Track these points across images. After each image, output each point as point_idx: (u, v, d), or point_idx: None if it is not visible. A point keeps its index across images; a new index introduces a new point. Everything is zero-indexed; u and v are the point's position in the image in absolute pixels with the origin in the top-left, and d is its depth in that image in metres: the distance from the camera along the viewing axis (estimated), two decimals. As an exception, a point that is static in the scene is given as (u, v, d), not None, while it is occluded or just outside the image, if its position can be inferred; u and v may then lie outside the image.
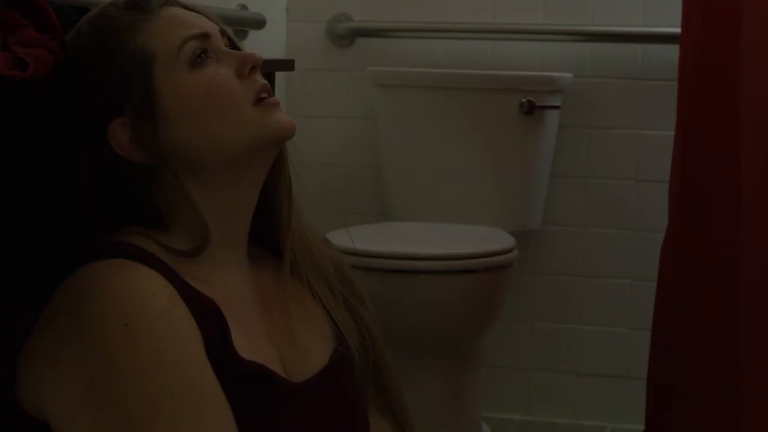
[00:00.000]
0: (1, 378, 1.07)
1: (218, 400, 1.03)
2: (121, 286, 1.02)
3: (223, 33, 1.18)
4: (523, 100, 2.59)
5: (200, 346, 1.04)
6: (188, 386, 1.01)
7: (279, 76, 2.42)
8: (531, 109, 2.59)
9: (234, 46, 1.20)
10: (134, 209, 1.15)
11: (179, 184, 1.13)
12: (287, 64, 2.25)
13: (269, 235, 1.24)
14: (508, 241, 2.39)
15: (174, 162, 1.13)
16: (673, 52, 2.39)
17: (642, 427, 2.41)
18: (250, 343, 1.12)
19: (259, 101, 1.15)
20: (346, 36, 2.85)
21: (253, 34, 2.61)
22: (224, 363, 1.07)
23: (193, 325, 1.05)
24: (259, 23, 2.59)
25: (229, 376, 1.06)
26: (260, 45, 2.66)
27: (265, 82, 1.17)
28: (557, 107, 2.65)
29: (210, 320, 1.08)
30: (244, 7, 2.57)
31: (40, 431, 1.04)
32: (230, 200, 1.16)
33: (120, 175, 1.13)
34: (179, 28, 1.13)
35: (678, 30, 2.30)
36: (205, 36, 1.14)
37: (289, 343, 1.19)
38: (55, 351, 1.03)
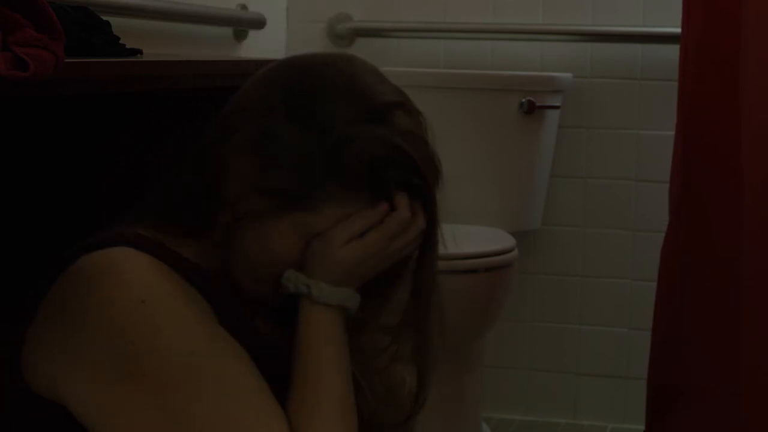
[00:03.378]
0: (9, 363, 1.08)
1: (246, 358, 1.06)
2: (129, 267, 1.04)
3: None
4: (523, 100, 2.59)
5: (212, 315, 1.08)
6: (217, 348, 1.04)
7: (279, 76, 2.42)
8: (531, 109, 2.59)
9: None
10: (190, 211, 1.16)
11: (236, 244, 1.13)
12: (287, 64, 2.24)
13: None
14: (508, 241, 2.39)
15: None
16: (673, 52, 2.39)
17: (642, 427, 2.41)
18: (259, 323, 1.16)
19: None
20: (346, 36, 2.85)
21: (253, 34, 2.61)
22: (243, 335, 1.09)
23: (200, 298, 1.08)
24: (259, 23, 2.59)
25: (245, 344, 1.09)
26: (260, 45, 2.66)
27: None
28: (557, 107, 2.65)
29: (221, 296, 1.11)
30: (244, 7, 2.57)
31: (52, 411, 1.05)
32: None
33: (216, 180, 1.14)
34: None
35: (678, 30, 2.30)
36: None
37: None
38: (68, 336, 1.04)
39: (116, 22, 1.40)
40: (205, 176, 1.14)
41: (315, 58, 1.20)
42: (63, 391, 1.04)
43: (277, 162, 1.10)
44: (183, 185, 1.17)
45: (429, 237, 1.19)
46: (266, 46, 2.71)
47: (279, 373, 1.11)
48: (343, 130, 1.10)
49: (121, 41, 1.35)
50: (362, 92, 1.13)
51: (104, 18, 1.34)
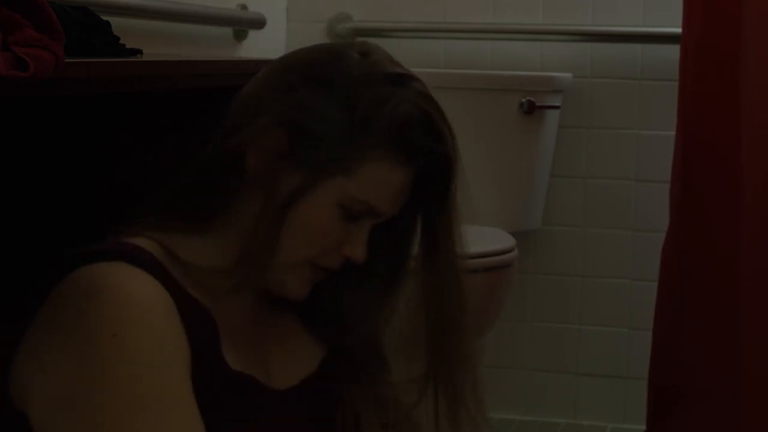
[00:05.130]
0: (7, 365, 1.07)
1: (190, 421, 1.02)
2: (117, 293, 1.01)
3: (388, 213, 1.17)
4: (523, 100, 2.59)
5: (185, 363, 1.04)
6: (161, 404, 1.00)
7: (279, 76, 2.42)
8: (531, 109, 2.59)
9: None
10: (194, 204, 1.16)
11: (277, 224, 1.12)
12: (287, 64, 2.24)
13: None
14: (508, 241, 2.39)
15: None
16: (673, 52, 2.39)
17: (642, 427, 2.41)
18: (237, 354, 1.13)
19: (309, 266, 1.15)
20: (346, 36, 2.85)
21: (253, 34, 2.61)
22: (211, 373, 1.07)
23: (182, 339, 1.05)
24: (259, 23, 2.59)
25: (215, 385, 1.07)
26: (260, 45, 2.66)
27: (335, 269, 1.17)
28: (557, 107, 2.65)
29: (201, 329, 1.08)
30: (244, 7, 2.58)
31: (25, 426, 1.04)
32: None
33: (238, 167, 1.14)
34: (386, 190, 1.13)
35: (678, 30, 2.30)
36: (375, 215, 1.15)
37: (273, 359, 1.20)
38: (44, 352, 1.03)
39: (116, 22, 1.40)
40: (225, 166, 1.14)
41: (326, 43, 1.21)
42: (29, 409, 1.03)
43: (308, 130, 1.11)
44: (198, 181, 1.16)
45: (444, 205, 1.17)
46: (266, 46, 2.71)
47: (252, 401, 1.11)
48: (368, 93, 1.12)
49: (121, 41, 1.35)
50: (378, 63, 1.16)
51: (104, 18, 1.34)
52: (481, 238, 2.45)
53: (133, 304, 1.01)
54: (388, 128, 1.11)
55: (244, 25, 2.56)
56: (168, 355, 1.02)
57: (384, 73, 1.14)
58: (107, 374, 0.99)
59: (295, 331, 1.24)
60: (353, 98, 1.11)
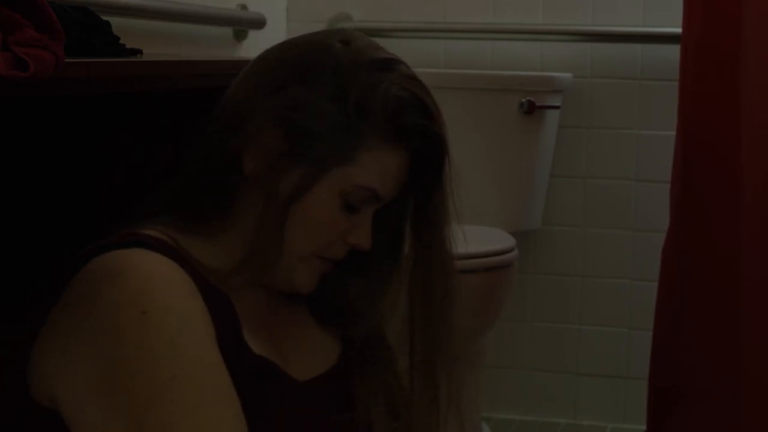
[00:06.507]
0: (14, 368, 1.06)
1: (228, 394, 1.02)
2: (139, 273, 1.01)
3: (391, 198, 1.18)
4: (523, 100, 2.59)
5: (213, 338, 1.04)
6: (199, 378, 0.99)
7: (279, 76, 2.42)
8: (531, 109, 2.60)
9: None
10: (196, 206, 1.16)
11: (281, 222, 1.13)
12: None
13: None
14: (508, 241, 2.39)
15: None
16: (673, 52, 2.39)
17: (642, 427, 2.41)
18: (258, 342, 1.13)
19: (316, 258, 1.16)
20: (346, 36, 2.85)
21: (253, 34, 2.61)
22: (234, 356, 1.07)
23: (207, 316, 1.04)
24: (259, 23, 2.59)
25: (239, 369, 1.06)
26: (260, 45, 2.65)
27: (341, 258, 1.18)
28: (557, 107, 2.65)
29: (222, 313, 1.08)
30: (244, 7, 2.58)
31: (51, 420, 1.03)
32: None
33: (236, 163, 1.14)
34: (387, 174, 1.15)
35: (678, 30, 2.30)
36: (378, 199, 1.17)
37: (291, 351, 1.19)
38: (70, 339, 1.01)
39: (116, 22, 1.40)
40: (224, 168, 1.14)
41: (308, 34, 1.21)
42: (58, 397, 1.02)
43: (304, 127, 1.11)
44: (197, 182, 1.16)
45: (439, 185, 1.19)
46: (266, 46, 2.68)
47: (273, 388, 1.10)
48: (358, 81, 1.13)
49: (121, 41, 1.35)
50: (364, 49, 1.17)
51: (104, 18, 1.34)
52: (481, 238, 2.45)
53: (155, 282, 1.01)
54: (383, 113, 1.13)
55: (244, 25, 2.56)
56: (197, 327, 1.02)
57: (369, 60, 1.16)
58: (141, 350, 0.98)
59: (311, 326, 1.24)
60: (344, 88, 1.12)
